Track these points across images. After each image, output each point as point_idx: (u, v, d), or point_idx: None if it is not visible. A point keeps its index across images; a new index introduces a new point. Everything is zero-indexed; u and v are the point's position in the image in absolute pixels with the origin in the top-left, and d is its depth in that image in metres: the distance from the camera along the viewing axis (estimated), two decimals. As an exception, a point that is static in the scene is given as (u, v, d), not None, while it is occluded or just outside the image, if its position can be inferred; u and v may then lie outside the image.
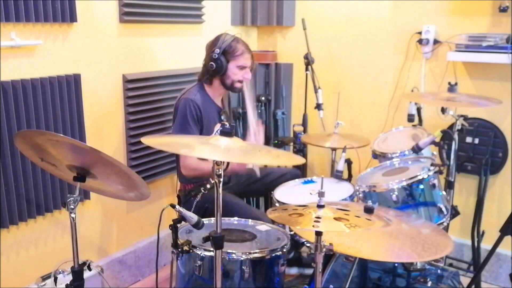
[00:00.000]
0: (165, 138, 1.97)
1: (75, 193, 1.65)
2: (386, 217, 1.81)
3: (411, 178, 2.26)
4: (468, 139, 2.91)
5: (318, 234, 1.53)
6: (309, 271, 2.83)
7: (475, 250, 2.89)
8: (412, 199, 2.29)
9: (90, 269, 1.78)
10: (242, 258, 1.85)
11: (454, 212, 2.59)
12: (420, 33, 3.02)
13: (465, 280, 2.55)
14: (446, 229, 2.39)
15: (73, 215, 1.66)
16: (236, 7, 3.44)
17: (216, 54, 2.51)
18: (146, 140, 1.67)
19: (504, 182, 2.92)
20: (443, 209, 2.30)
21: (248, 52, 2.58)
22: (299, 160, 1.83)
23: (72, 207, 1.65)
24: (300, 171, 3.02)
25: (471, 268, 2.91)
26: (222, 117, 2.65)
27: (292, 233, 2.14)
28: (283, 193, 2.47)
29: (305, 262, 2.88)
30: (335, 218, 1.50)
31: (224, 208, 1.68)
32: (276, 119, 3.58)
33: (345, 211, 1.56)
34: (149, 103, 2.84)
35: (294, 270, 2.87)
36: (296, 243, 2.32)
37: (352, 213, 1.56)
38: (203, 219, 1.82)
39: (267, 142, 3.58)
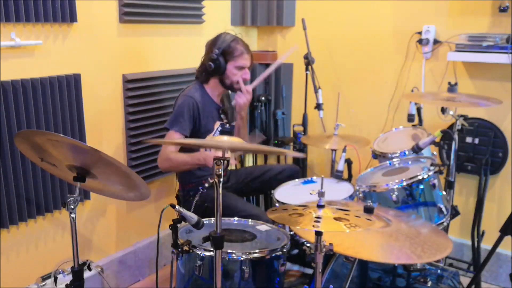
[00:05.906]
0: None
1: (75, 193, 1.66)
2: (386, 217, 1.81)
3: (411, 178, 2.26)
4: (468, 139, 2.91)
5: (318, 234, 1.53)
6: (310, 271, 2.82)
7: (475, 250, 2.89)
8: (412, 199, 2.28)
9: (90, 269, 1.78)
10: (242, 258, 1.85)
11: (454, 212, 2.59)
12: (420, 33, 3.02)
13: (465, 280, 2.55)
14: (446, 229, 2.39)
15: (73, 215, 1.66)
16: (236, 7, 3.44)
17: (215, 54, 2.51)
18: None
19: (504, 182, 2.92)
20: (443, 209, 2.30)
21: (247, 53, 2.58)
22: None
23: (72, 207, 1.65)
24: (299, 168, 3.01)
25: (471, 268, 2.91)
26: (222, 116, 2.65)
27: (292, 233, 2.14)
28: (283, 193, 2.47)
29: (308, 261, 2.86)
30: (335, 218, 1.50)
31: (224, 207, 1.68)
32: (276, 119, 3.58)
33: (345, 211, 1.56)
34: (149, 103, 2.84)
35: (296, 267, 2.85)
36: (296, 243, 2.32)
37: (352, 213, 1.56)
38: (203, 219, 1.82)
39: (267, 142, 3.58)
